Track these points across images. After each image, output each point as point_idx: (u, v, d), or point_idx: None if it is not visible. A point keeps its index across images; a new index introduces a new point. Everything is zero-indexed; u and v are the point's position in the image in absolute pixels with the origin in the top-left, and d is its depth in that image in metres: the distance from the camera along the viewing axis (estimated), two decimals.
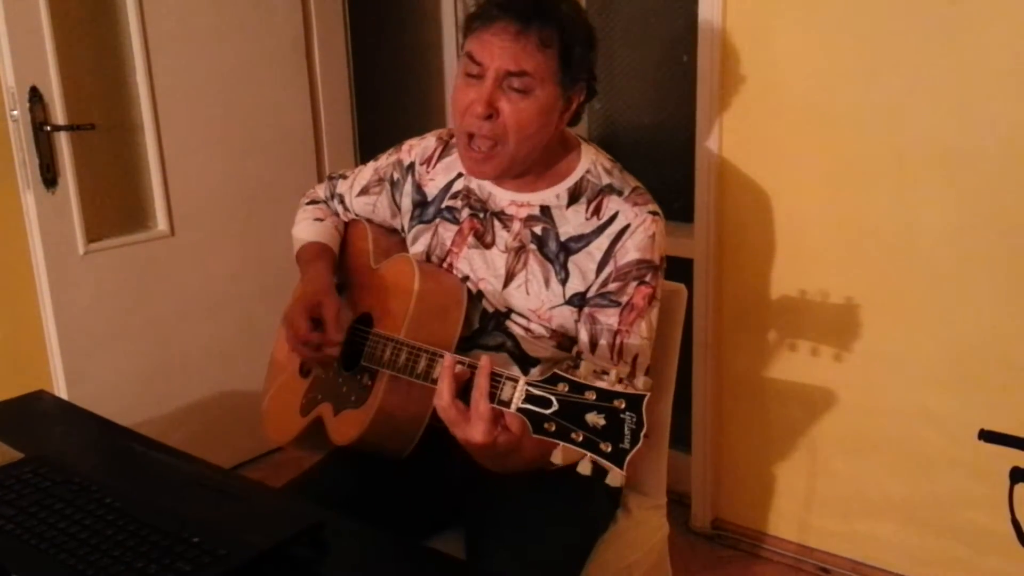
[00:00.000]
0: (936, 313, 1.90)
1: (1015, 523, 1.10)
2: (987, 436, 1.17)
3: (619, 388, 0.92)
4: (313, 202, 1.64)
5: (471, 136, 1.29)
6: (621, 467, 0.91)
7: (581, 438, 0.93)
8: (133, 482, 1.12)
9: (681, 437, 2.21)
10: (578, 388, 0.95)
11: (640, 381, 0.92)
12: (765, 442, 2.21)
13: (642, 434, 0.90)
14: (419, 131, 1.55)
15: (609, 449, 0.91)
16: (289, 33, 2.68)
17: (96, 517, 1.01)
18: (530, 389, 0.99)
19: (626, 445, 0.91)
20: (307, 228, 1.58)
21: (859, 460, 2.07)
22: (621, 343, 1.29)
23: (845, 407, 2.07)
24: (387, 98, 3.11)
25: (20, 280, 2.22)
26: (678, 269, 2.03)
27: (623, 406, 0.91)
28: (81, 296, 2.28)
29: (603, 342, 1.30)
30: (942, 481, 1.96)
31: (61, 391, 2.28)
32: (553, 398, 0.96)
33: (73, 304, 2.27)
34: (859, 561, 2.12)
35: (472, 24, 1.27)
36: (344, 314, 1.41)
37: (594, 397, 0.93)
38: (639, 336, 1.30)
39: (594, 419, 0.92)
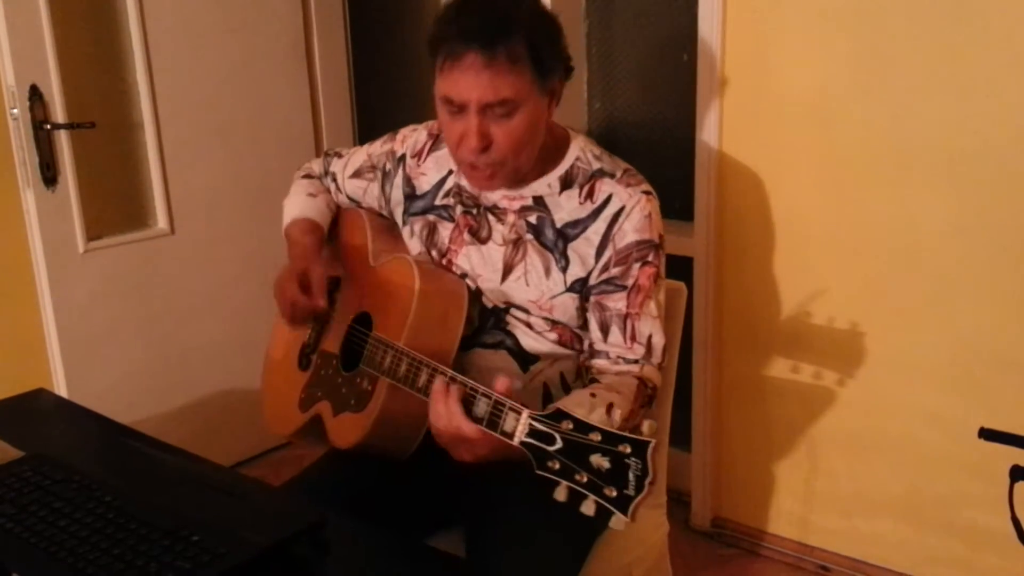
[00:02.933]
0: (936, 311, 1.90)
1: (1015, 521, 1.10)
2: (987, 434, 1.17)
3: (626, 431, 0.90)
4: (308, 176, 1.64)
5: (472, 165, 1.29)
6: (626, 514, 0.88)
7: (585, 479, 0.91)
8: (133, 480, 1.12)
9: (681, 435, 2.21)
10: (583, 428, 0.92)
11: (645, 426, 0.90)
12: (765, 440, 2.21)
13: (647, 482, 0.88)
14: None
15: (614, 494, 0.89)
16: (289, 32, 2.68)
17: (96, 515, 1.02)
18: (534, 424, 0.97)
19: (631, 492, 0.88)
20: (300, 202, 1.57)
21: (859, 458, 2.07)
22: (633, 326, 1.30)
23: (845, 405, 2.06)
24: (387, 96, 3.10)
25: (20, 278, 2.22)
26: (678, 268, 2.04)
27: (628, 451, 0.89)
28: (81, 294, 2.28)
29: (615, 327, 1.30)
30: (942, 479, 1.96)
31: (61, 389, 2.28)
32: (557, 435, 0.94)
33: (73, 302, 2.27)
34: (859, 559, 2.12)
35: (438, 55, 1.24)
36: (331, 270, 1.47)
37: (599, 439, 0.91)
38: (650, 316, 1.30)
39: (599, 461, 0.90)
